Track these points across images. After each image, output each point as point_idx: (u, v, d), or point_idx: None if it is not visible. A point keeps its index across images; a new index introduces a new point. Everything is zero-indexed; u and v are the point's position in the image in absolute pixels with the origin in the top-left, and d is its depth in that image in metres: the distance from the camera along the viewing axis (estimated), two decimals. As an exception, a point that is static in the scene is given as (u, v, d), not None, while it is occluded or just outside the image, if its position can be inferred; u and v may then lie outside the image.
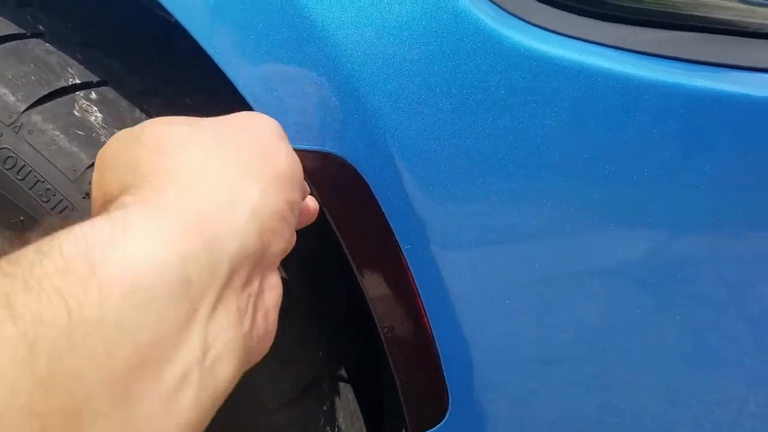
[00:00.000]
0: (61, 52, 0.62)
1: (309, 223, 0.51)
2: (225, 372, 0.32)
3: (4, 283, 0.26)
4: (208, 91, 0.72)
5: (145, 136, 0.37)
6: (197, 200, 0.33)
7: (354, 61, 0.53)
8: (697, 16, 0.56)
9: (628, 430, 0.63)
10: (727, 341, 0.66)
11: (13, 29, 0.61)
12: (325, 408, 0.66)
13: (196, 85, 0.71)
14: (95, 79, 0.61)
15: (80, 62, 0.62)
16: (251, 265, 0.35)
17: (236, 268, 0.33)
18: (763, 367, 0.70)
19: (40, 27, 0.63)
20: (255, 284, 0.36)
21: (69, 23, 0.67)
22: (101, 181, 0.37)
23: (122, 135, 0.39)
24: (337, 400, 0.68)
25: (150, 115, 0.62)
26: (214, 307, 0.32)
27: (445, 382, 0.59)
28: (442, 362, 0.59)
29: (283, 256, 0.40)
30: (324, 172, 0.55)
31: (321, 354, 0.66)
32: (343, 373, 0.70)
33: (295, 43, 0.53)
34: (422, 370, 0.59)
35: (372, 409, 0.76)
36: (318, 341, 0.66)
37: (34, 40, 0.62)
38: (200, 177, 0.35)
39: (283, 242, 0.38)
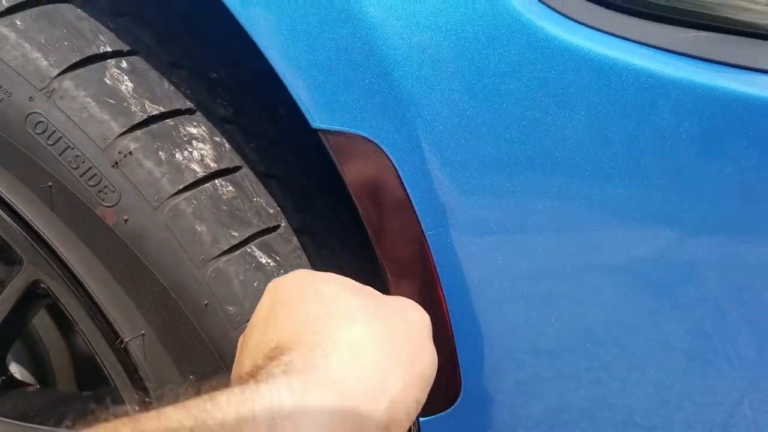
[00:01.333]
0: (92, 19, 0.62)
1: None
2: None
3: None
4: (233, 66, 0.72)
5: (324, 294, 0.45)
6: (354, 378, 0.40)
7: (390, 44, 0.53)
8: (727, 18, 0.56)
9: (636, 426, 0.65)
10: (728, 344, 0.67)
11: (46, -7, 0.61)
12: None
13: (221, 59, 0.71)
14: (126, 48, 0.61)
15: (111, 30, 0.62)
16: None
17: None
18: (759, 372, 0.71)
19: (72, -8, 0.63)
20: None
21: (99, -10, 0.67)
22: (274, 312, 0.45)
23: (301, 279, 0.48)
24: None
25: (179, 89, 0.62)
26: None
27: (458, 367, 0.60)
28: (457, 347, 0.60)
29: None
30: (353, 153, 0.55)
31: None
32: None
33: (332, 23, 0.53)
34: (438, 354, 0.60)
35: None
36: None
37: (65, 5, 0.61)
38: (361, 354, 0.41)
39: None
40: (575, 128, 0.55)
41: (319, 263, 0.68)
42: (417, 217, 0.56)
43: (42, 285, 0.61)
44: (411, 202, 0.56)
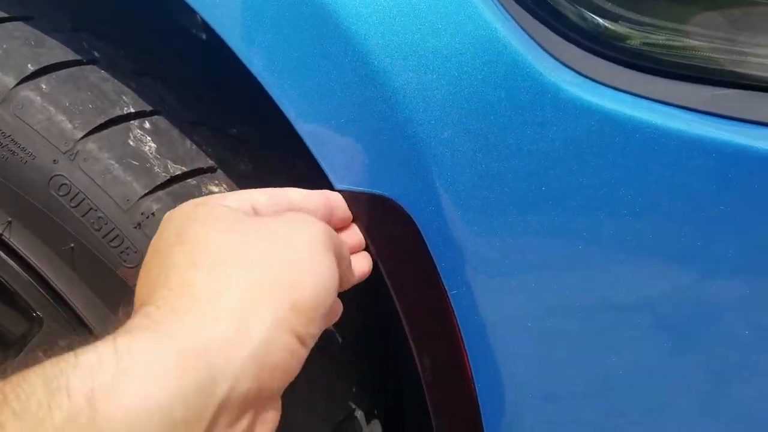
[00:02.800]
0: (115, 80, 0.62)
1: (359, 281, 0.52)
2: None
3: (14, 427, 0.29)
4: (253, 122, 0.73)
5: (189, 238, 0.40)
6: (204, 332, 0.36)
7: (412, 107, 0.53)
8: (750, 75, 0.56)
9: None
10: (750, 387, 0.66)
11: (71, 56, 0.61)
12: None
13: (242, 116, 0.72)
14: (149, 108, 0.62)
15: (134, 90, 0.62)
16: (240, 405, 0.36)
17: (223, 409, 0.35)
18: None
19: (95, 53, 0.64)
20: (244, 422, 0.37)
21: (121, 50, 0.67)
22: (148, 261, 0.41)
23: (180, 216, 0.43)
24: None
25: (200, 147, 0.63)
26: None
27: (481, 420, 0.59)
28: (481, 409, 0.59)
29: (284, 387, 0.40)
30: (375, 214, 0.55)
31: (355, 390, 0.67)
32: (373, 410, 0.70)
33: (354, 85, 0.53)
34: (460, 416, 0.59)
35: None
36: (353, 377, 0.66)
37: (89, 67, 0.62)
38: (218, 302, 0.37)
39: (286, 376, 0.39)
40: (597, 185, 0.55)
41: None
42: (440, 276, 0.56)
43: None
44: (434, 263, 0.56)
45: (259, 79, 0.55)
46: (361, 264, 0.54)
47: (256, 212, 0.46)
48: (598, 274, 0.57)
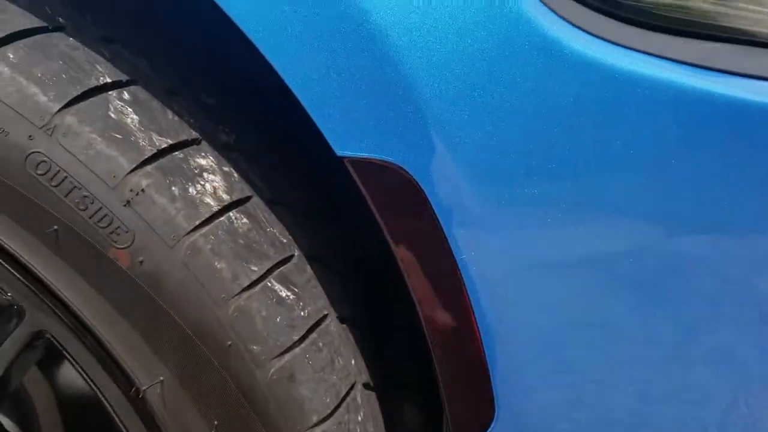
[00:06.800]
0: (85, 48, 0.58)
1: None
2: None
3: None
4: (231, 91, 0.69)
5: None
6: None
7: (415, 67, 0.51)
8: (740, 30, 0.57)
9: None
10: (723, 342, 0.68)
11: (36, 22, 0.57)
12: (359, 418, 0.64)
13: (216, 85, 0.68)
14: (125, 77, 0.58)
15: (107, 59, 0.58)
16: None
17: None
18: (747, 370, 0.72)
19: (60, 20, 0.59)
20: None
21: (86, 15, 0.63)
22: None
23: None
24: (367, 409, 0.67)
25: (181, 117, 0.59)
26: None
27: (492, 391, 0.59)
28: (490, 372, 0.58)
29: None
30: (381, 180, 0.53)
31: (354, 363, 0.65)
32: (370, 381, 0.69)
33: (356, 48, 0.51)
34: (470, 382, 0.59)
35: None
36: (353, 349, 0.65)
37: (57, 34, 0.57)
38: None
39: None
40: (600, 140, 0.55)
41: (328, 290, 0.66)
42: (448, 242, 0.55)
43: (46, 335, 0.57)
44: (441, 228, 0.54)
45: (260, 49, 0.52)
46: None
47: None
48: (602, 231, 0.57)
